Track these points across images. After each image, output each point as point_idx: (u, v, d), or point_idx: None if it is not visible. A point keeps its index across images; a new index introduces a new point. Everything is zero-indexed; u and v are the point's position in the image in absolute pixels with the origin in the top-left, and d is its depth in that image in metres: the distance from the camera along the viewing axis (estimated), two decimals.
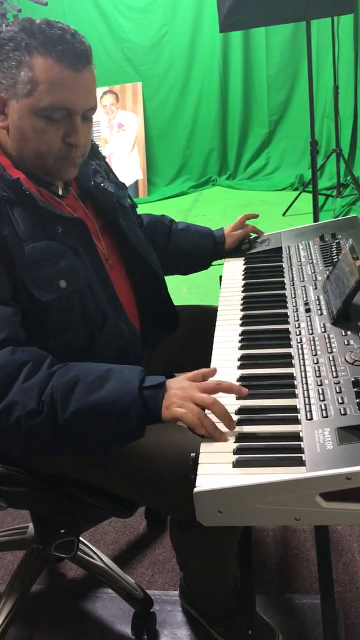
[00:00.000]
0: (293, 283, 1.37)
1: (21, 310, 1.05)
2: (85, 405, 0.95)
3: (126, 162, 5.35)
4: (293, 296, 1.31)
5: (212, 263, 1.65)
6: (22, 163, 1.12)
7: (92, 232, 1.21)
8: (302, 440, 0.87)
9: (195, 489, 0.83)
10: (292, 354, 1.10)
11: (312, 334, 1.13)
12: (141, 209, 1.58)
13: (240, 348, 1.16)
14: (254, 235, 1.66)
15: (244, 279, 1.47)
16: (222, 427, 0.93)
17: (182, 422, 0.97)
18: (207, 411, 0.95)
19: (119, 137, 5.40)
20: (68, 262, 1.11)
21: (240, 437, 0.91)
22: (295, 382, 1.01)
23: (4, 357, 0.97)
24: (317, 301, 1.24)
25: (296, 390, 1.00)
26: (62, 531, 1.27)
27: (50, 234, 1.10)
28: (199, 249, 1.59)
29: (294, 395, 0.98)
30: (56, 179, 1.17)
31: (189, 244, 1.58)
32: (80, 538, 1.37)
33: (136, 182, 5.35)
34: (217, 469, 0.86)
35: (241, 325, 1.25)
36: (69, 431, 0.97)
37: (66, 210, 1.19)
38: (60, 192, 1.19)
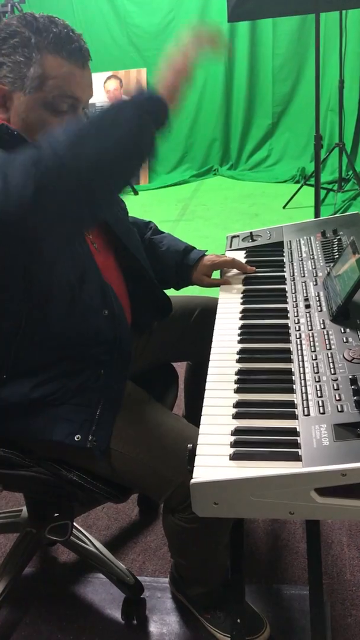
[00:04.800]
0: (293, 278, 1.37)
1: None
2: (84, 124, 0.92)
3: None
4: (293, 291, 1.31)
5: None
6: None
7: None
8: (298, 436, 0.89)
9: (192, 480, 0.84)
10: (291, 350, 1.10)
11: (312, 330, 1.14)
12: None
13: (240, 342, 1.17)
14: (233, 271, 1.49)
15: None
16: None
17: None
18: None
19: None
20: None
21: (238, 431, 0.92)
22: (293, 378, 1.02)
23: None
24: (317, 297, 1.25)
25: (294, 385, 1.00)
26: (57, 514, 1.28)
27: None
28: (165, 270, 1.47)
29: (292, 391, 0.99)
30: None
31: (153, 259, 1.45)
32: (73, 523, 1.38)
33: None
34: (214, 461, 0.87)
35: (241, 318, 1.26)
36: (75, 147, 0.89)
37: None
38: None
